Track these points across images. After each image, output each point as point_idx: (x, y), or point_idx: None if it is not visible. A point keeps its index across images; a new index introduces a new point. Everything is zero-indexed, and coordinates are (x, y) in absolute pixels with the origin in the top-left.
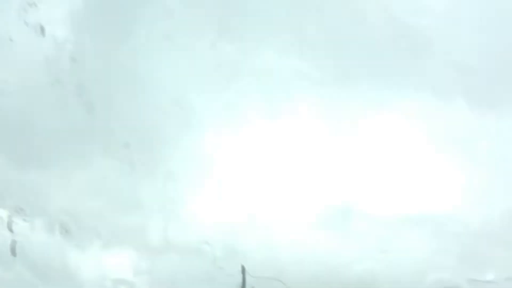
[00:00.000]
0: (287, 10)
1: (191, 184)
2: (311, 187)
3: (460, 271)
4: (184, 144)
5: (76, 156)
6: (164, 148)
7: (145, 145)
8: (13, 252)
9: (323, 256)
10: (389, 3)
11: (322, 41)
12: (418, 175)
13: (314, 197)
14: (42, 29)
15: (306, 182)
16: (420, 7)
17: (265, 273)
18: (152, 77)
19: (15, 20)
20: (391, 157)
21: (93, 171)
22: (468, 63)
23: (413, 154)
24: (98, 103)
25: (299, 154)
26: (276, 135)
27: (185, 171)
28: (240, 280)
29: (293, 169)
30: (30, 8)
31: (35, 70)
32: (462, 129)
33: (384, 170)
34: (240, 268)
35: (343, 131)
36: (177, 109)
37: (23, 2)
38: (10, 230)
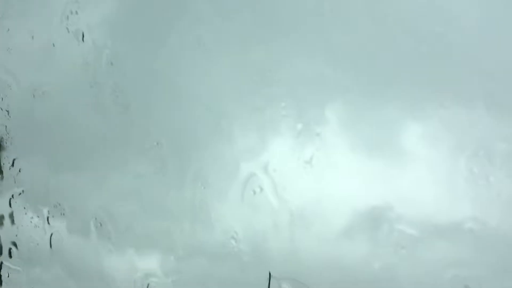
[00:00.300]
0: (317, 19)
1: (220, 187)
2: (340, 193)
3: (484, 275)
4: (214, 148)
5: (111, 158)
6: (195, 151)
7: (177, 147)
8: (50, 244)
9: (348, 261)
10: (408, 9)
11: (349, 49)
12: (444, 182)
13: (343, 203)
14: (82, 35)
15: (335, 188)
16: (440, 13)
17: (289, 276)
18: (185, 81)
19: (58, 27)
20: (419, 164)
21: (127, 172)
22: (490, 70)
23: (438, 161)
24: (133, 104)
25: (328, 161)
26: (305, 141)
27: (215, 175)
28: (266, 286)
29: (321, 175)
30: (72, 16)
31: (75, 73)
32: (484, 133)
33: (413, 177)
34: (267, 275)
35: (372, 138)
36: (208, 113)
37: (66, 10)
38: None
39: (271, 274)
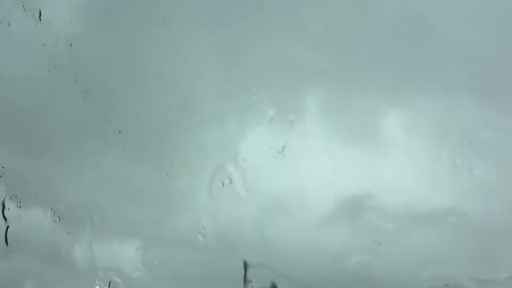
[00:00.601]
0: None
1: (186, 178)
2: (318, 181)
3: (463, 269)
4: (179, 137)
5: (70, 145)
6: (158, 139)
7: (140, 136)
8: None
9: (326, 249)
10: None
11: (326, 31)
12: (426, 169)
13: (322, 192)
14: (40, 13)
15: (314, 176)
16: None
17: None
18: (149, 64)
19: (13, 4)
20: (401, 151)
21: (86, 160)
22: (473, 53)
23: (420, 148)
24: (94, 90)
25: (305, 149)
26: (284, 128)
27: (181, 164)
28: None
29: (300, 162)
30: None
31: (32, 55)
32: (467, 121)
33: (394, 164)
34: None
35: (351, 125)
36: (174, 99)
37: None
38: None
39: (247, 262)
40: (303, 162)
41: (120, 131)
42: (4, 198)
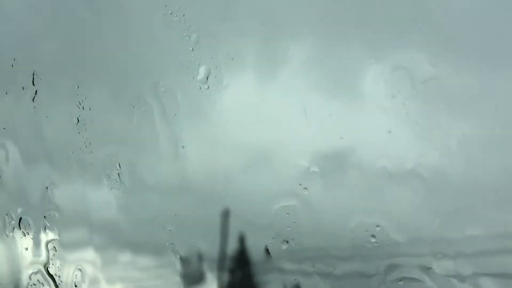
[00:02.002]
0: None
1: (181, 124)
2: (302, 135)
3: (438, 227)
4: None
5: None
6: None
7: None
8: None
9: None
10: None
11: None
12: (413, 130)
13: (305, 145)
14: None
15: (296, 130)
16: None
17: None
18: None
19: None
20: (384, 111)
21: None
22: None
23: (406, 109)
24: None
25: (290, 102)
26: (268, 80)
27: (178, 109)
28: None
29: (283, 116)
30: None
31: None
32: (456, 86)
33: (378, 122)
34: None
35: (333, 79)
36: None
37: None
38: None
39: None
40: (281, 114)
41: None
42: None
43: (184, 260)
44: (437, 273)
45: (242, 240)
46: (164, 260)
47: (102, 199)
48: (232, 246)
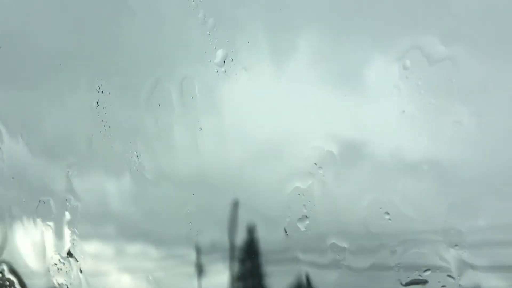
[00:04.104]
0: None
1: (189, 116)
2: (312, 126)
3: (445, 218)
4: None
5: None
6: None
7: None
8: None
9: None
10: None
11: None
12: (423, 122)
13: (321, 129)
14: None
15: (307, 121)
16: None
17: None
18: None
19: None
20: (395, 103)
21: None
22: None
23: (416, 101)
24: None
25: (300, 94)
26: (278, 72)
27: (195, 93)
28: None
29: (293, 108)
30: None
31: None
32: (465, 76)
33: (391, 105)
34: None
35: (341, 71)
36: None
37: None
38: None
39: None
40: (291, 106)
41: None
42: None
43: (197, 250)
44: (450, 251)
45: (251, 231)
46: (177, 251)
47: (123, 183)
48: (242, 236)
